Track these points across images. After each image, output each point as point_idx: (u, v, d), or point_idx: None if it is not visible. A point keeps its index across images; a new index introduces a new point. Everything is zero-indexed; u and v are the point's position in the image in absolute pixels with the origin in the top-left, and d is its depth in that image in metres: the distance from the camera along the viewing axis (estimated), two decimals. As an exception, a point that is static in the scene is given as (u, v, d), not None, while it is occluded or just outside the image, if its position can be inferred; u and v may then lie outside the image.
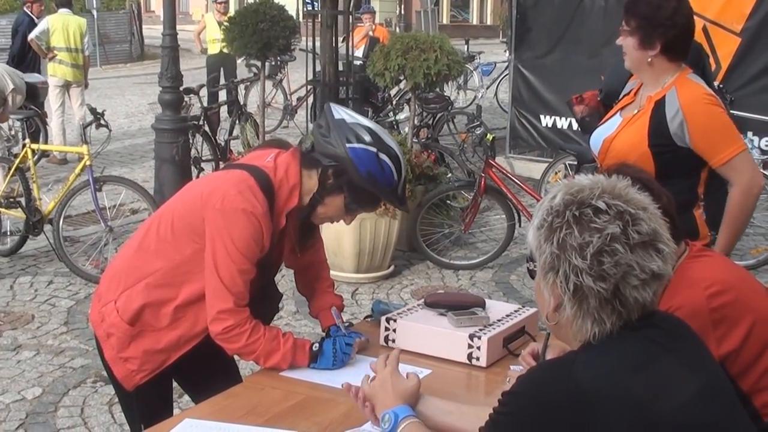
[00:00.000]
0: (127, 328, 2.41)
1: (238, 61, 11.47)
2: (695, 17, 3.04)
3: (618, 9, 8.12)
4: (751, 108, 7.44)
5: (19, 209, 6.34)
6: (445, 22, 37.26)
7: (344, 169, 2.36)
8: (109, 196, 6.68)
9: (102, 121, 6.19)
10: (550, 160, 8.44)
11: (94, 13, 21.20)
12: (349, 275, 6.04)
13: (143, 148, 10.83)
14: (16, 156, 6.74)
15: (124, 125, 12.65)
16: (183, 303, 2.40)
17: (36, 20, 10.21)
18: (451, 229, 6.71)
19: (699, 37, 4.61)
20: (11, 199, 6.41)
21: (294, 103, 12.56)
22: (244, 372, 3.02)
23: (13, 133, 8.69)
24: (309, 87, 10.62)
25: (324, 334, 2.59)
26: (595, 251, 1.55)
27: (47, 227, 6.23)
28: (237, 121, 9.21)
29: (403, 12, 32.74)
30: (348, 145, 2.35)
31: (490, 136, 6.67)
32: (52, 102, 9.90)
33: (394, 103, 10.12)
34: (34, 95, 8.03)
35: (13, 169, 6.40)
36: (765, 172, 5.49)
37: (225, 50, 8.90)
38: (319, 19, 7.76)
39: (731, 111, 3.20)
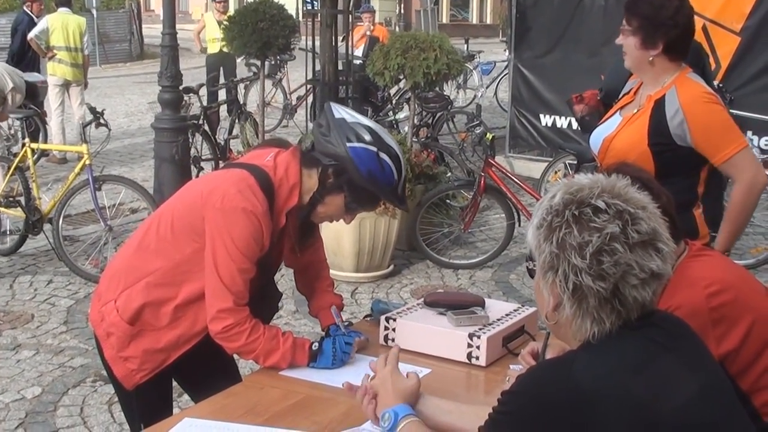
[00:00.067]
0: (127, 327, 2.41)
1: (238, 61, 11.45)
2: (695, 16, 3.04)
3: (618, 8, 8.11)
4: (751, 107, 7.44)
5: (19, 208, 6.34)
6: (444, 21, 37.25)
7: (344, 168, 2.36)
8: (109, 196, 6.68)
9: (101, 121, 6.20)
10: (550, 159, 8.43)
11: (94, 12, 21.21)
12: (349, 274, 6.04)
13: (143, 147, 10.82)
14: (15, 155, 6.73)
15: (123, 124, 12.65)
16: (183, 302, 2.40)
17: (35, 19, 10.21)
18: (450, 228, 6.71)
19: (699, 36, 4.61)
20: (11, 199, 6.41)
21: (294, 103, 12.56)
22: (244, 371, 3.02)
23: (12, 132, 8.70)
24: (308, 86, 10.63)
25: (323, 333, 2.59)
26: (594, 250, 1.55)
27: (47, 226, 6.23)
28: (236, 121, 9.21)
29: (402, 11, 32.76)
30: (348, 144, 2.35)
31: (489, 136, 6.66)
32: (51, 101, 9.90)
33: (393, 102, 10.12)
34: (34, 94, 8.02)
35: (12, 168, 6.40)
36: (766, 171, 5.48)
37: (224, 49, 8.90)
38: (319, 19, 7.77)
39: (731, 110, 3.20)
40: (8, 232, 6.60)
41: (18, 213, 6.37)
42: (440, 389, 2.17)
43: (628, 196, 1.61)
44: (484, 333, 2.49)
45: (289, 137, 8.61)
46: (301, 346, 2.42)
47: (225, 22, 7.90)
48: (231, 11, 9.71)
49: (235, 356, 2.60)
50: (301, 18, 9.35)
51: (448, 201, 6.92)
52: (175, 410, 2.65)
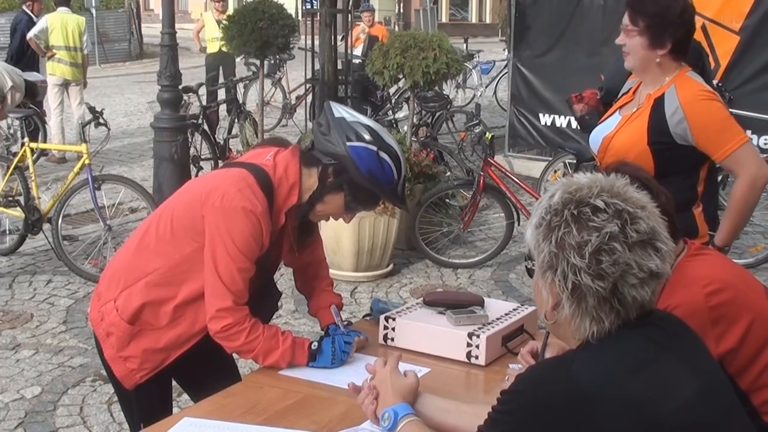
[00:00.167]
0: (127, 327, 2.41)
1: (237, 60, 11.45)
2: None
3: (617, 7, 8.13)
4: (750, 106, 7.44)
5: (18, 208, 6.34)
6: (444, 20, 37.25)
7: (344, 167, 2.36)
8: (108, 195, 6.68)
9: (101, 120, 6.19)
10: (549, 158, 8.43)
11: (93, 11, 21.23)
12: (348, 274, 6.04)
13: (142, 146, 10.82)
14: (14, 155, 6.73)
15: (123, 124, 12.64)
16: (182, 302, 2.40)
17: (35, 19, 10.20)
18: (450, 227, 6.71)
19: (698, 35, 4.60)
20: (10, 198, 6.40)
21: (293, 102, 12.56)
22: (243, 371, 3.02)
23: (12, 131, 8.70)
24: (308, 85, 10.63)
25: (323, 332, 2.59)
26: (593, 250, 1.55)
27: (46, 226, 6.23)
28: (236, 120, 9.21)
29: (402, 10, 32.75)
30: (348, 143, 2.35)
31: (489, 135, 6.67)
32: (51, 101, 9.90)
33: (393, 101, 10.12)
34: (34, 94, 8.00)
35: (12, 167, 6.40)
36: None
37: (224, 49, 8.91)
38: (318, 18, 7.77)
39: (730, 110, 3.19)
40: (7, 232, 6.59)
41: (17, 213, 6.37)
42: (440, 388, 2.17)
43: (627, 195, 1.60)
44: (484, 332, 2.49)
45: (288, 136, 8.61)
46: (300, 345, 2.42)
47: (224, 22, 7.91)
48: (230, 11, 9.71)
49: (235, 356, 2.60)
50: (300, 17, 9.37)
51: (447, 200, 6.93)
52: (175, 410, 2.65)
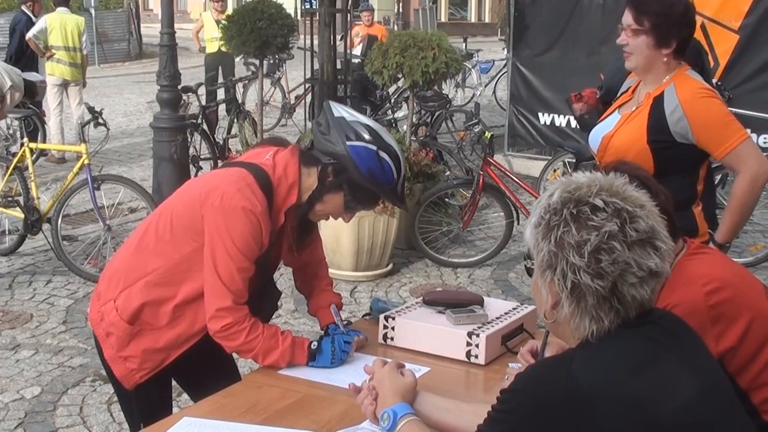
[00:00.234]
0: (127, 326, 2.41)
1: (236, 60, 11.45)
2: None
3: (616, 6, 8.13)
4: (749, 105, 7.44)
5: (18, 208, 6.34)
6: (443, 19, 37.25)
7: (344, 166, 2.36)
8: (108, 195, 6.68)
9: (100, 120, 6.20)
10: (549, 157, 8.44)
11: (92, 11, 21.21)
12: (348, 273, 6.04)
13: (141, 146, 10.82)
14: (14, 155, 6.73)
15: (122, 124, 12.64)
16: (182, 301, 2.40)
17: (34, 19, 10.20)
18: (449, 227, 6.71)
19: (697, 34, 4.61)
20: (9, 198, 6.41)
21: (292, 102, 12.56)
22: (243, 370, 3.02)
23: (11, 131, 8.70)
24: (307, 85, 10.63)
25: (322, 332, 2.60)
26: (592, 249, 1.55)
27: (46, 226, 6.23)
28: (235, 120, 9.20)
29: (401, 10, 32.71)
30: (348, 142, 2.35)
31: (488, 134, 6.67)
32: (50, 101, 9.89)
33: (392, 101, 10.12)
34: (33, 94, 8.00)
35: (11, 168, 6.39)
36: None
37: (223, 49, 8.91)
38: (317, 17, 7.77)
39: (729, 109, 3.19)
40: (7, 232, 6.60)
41: (17, 213, 6.37)
42: (439, 388, 2.17)
43: (626, 194, 1.60)
44: (483, 331, 2.49)
45: (287, 136, 8.61)
46: (300, 344, 2.42)
47: (223, 22, 7.91)
48: (229, 10, 9.71)
49: (235, 355, 2.60)
50: (299, 17, 9.36)
51: (446, 200, 6.93)
52: (175, 409, 2.65)
